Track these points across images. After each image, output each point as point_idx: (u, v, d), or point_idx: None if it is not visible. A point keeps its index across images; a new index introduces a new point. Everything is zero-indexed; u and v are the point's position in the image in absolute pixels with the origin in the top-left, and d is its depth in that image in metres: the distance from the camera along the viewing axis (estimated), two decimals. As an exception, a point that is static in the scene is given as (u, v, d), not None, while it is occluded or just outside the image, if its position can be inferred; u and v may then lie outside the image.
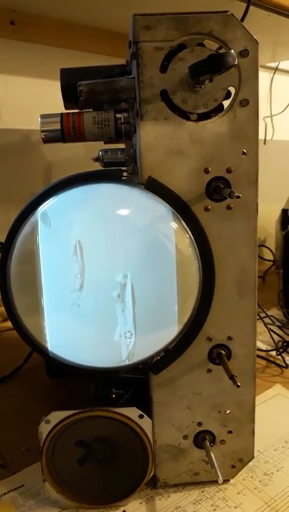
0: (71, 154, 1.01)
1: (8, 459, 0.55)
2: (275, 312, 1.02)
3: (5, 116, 0.97)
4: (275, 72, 1.46)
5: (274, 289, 1.13)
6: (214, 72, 0.38)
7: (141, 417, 0.46)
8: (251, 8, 0.77)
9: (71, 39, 1.00)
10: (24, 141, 0.99)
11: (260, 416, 0.50)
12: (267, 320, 0.91)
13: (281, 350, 0.81)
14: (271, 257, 1.43)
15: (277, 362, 0.79)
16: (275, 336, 0.85)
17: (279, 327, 0.91)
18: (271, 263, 1.40)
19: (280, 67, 1.46)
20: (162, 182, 0.44)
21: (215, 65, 0.37)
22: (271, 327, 0.88)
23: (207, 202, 0.44)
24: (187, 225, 0.44)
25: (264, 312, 0.93)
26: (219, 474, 0.43)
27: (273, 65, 1.44)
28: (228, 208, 0.45)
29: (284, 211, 1.20)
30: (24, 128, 0.98)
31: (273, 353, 0.82)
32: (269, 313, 0.97)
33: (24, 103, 0.98)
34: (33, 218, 0.43)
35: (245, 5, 0.76)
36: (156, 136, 0.43)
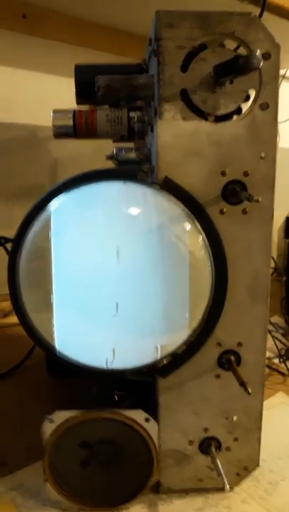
0: (78, 151, 1.00)
1: (7, 457, 0.54)
2: (277, 319, 1.02)
3: (13, 111, 0.96)
4: (282, 79, 1.45)
5: (275, 295, 1.12)
6: (239, 73, 0.37)
7: (147, 420, 0.45)
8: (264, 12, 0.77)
9: (82, 35, 0.99)
10: (31, 136, 0.98)
11: (263, 424, 0.49)
12: (269, 327, 0.90)
13: (284, 357, 0.81)
14: (272, 264, 1.43)
15: (280, 370, 0.78)
16: (277, 344, 0.84)
17: (282, 334, 0.90)
18: (272, 270, 1.40)
19: (287, 74, 1.46)
20: (178, 182, 0.43)
21: (240, 66, 0.36)
22: (274, 334, 0.87)
23: (223, 205, 0.44)
24: (202, 227, 0.43)
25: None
26: (226, 482, 0.43)
27: (281, 72, 1.44)
28: (244, 212, 0.44)
29: (288, 219, 1.19)
30: (32, 123, 0.97)
31: (276, 360, 0.81)
32: (271, 320, 0.96)
33: (33, 98, 0.97)
34: (45, 215, 0.42)
35: (257, 9, 0.76)
36: (174, 136, 0.42)
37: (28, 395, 0.68)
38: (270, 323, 0.92)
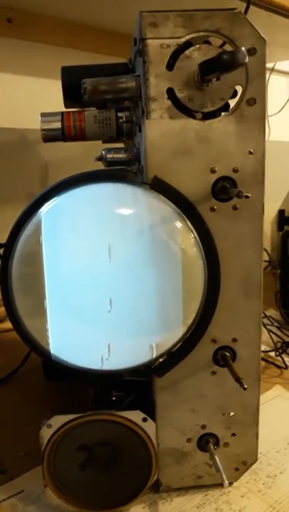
0: (68, 154, 0.99)
1: (6, 463, 0.54)
2: (272, 313, 1.02)
3: (1, 115, 0.95)
4: (271, 73, 1.46)
5: (270, 289, 1.12)
6: (225, 70, 0.37)
7: (144, 420, 0.46)
8: (250, 7, 0.76)
9: (69, 37, 0.98)
10: (21, 140, 0.97)
11: (260, 418, 0.50)
12: (265, 320, 0.91)
13: (280, 351, 0.81)
14: (266, 258, 1.43)
15: (277, 363, 0.79)
16: (273, 337, 0.85)
17: (278, 328, 0.90)
18: (267, 263, 1.40)
19: (276, 67, 1.46)
20: (168, 182, 0.43)
21: (225, 62, 0.36)
22: (269, 328, 0.88)
23: (213, 202, 0.44)
24: (193, 225, 0.43)
25: (262, 312, 0.93)
26: (224, 478, 0.43)
27: (270, 65, 1.44)
28: (234, 208, 0.44)
29: (281, 212, 1.20)
30: (21, 127, 0.97)
31: (272, 353, 0.82)
32: (266, 313, 0.97)
33: (21, 102, 0.97)
34: (36, 219, 0.42)
35: (244, 4, 0.76)
36: (161, 135, 0.42)
37: (26, 399, 0.68)
38: (265, 316, 0.92)
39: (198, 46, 0.41)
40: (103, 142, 0.58)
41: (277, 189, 1.41)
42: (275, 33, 1.05)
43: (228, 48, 0.42)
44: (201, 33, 0.41)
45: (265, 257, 1.44)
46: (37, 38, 0.97)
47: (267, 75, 1.48)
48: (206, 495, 0.49)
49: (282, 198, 1.44)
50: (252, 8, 0.79)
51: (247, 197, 0.39)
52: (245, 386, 0.41)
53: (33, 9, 0.92)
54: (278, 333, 0.88)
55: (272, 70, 1.46)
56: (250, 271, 0.45)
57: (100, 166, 0.57)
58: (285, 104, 1.52)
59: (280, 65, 1.47)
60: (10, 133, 0.97)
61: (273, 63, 1.44)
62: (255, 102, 0.43)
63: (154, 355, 0.44)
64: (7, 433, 0.61)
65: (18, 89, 0.98)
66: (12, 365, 0.75)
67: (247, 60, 0.37)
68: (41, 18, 0.95)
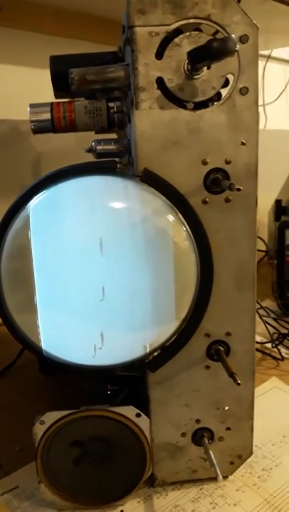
0: (61, 145, 0.98)
1: (1, 458, 0.54)
2: (268, 303, 1.02)
3: (-7, 106, 0.94)
4: (267, 60, 1.44)
5: (266, 279, 1.12)
6: (215, 58, 0.36)
7: (138, 415, 0.45)
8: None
9: (61, 26, 0.96)
10: (12, 131, 0.96)
11: (256, 410, 0.49)
12: (261, 311, 0.90)
13: (277, 342, 0.81)
14: (264, 248, 1.43)
15: (273, 354, 0.79)
16: (269, 328, 0.84)
17: (274, 319, 0.90)
18: (264, 253, 1.40)
19: (272, 55, 1.44)
20: (158, 174, 0.42)
21: (215, 50, 0.35)
22: (266, 319, 0.87)
23: (205, 194, 0.43)
24: (185, 218, 0.43)
25: (258, 304, 0.92)
26: (219, 472, 0.43)
27: (266, 52, 1.42)
28: (227, 200, 0.43)
29: (277, 201, 1.18)
30: (12, 118, 0.95)
31: (268, 345, 0.81)
32: (263, 304, 0.96)
33: (12, 92, 0.95)
34: (25, 212, 0.41)
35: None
36: (151, 126, 0.41)
37: (21, 394, 0.68)
38: (261, 307, 0.92)
39: (188, 34, 0.40)
40: (96, 133, 0.57)
41: (274, 178, 1.40)
42: (271, 19, 1.03)
43: (221, 36, 0.41)
44: (191, 20, 0.40)
45: (263, 247, 1.43)
46: (28, 27, 0.94)
47: (263, 63, 1.46)
48: (201, 489, 0.49)
49: (279, 188, 1.43)
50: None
51: (239, 190, 0.38)
52: (239, 381, 0.41)
53: (24, -3, 0.90)
54: (274, 324, 0.88)
55: (268, 57, 1.44)
56: (244, 264, 0.45)
57: (91, 157, 0.56)
58: (282, 92, 1.51)
59: (277, 53, 1.45)
60: (1, 124, 0.95)
61: (270, 51, 1.42)
62: (248, 91, 0.42)
63: (148, 350, 0.43)
64: (2, 428, 0.60)
65: (9, 80, 0.96)
66: (7, 359, 0.75)
67: (238, 47, 0.36)
68: (32, 5, 0.92)
